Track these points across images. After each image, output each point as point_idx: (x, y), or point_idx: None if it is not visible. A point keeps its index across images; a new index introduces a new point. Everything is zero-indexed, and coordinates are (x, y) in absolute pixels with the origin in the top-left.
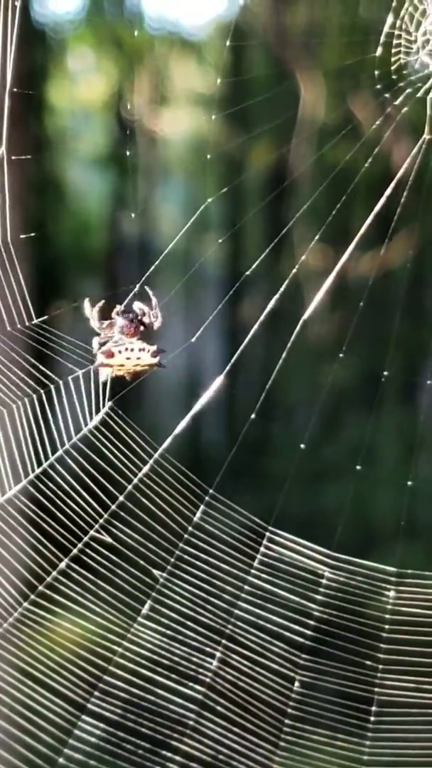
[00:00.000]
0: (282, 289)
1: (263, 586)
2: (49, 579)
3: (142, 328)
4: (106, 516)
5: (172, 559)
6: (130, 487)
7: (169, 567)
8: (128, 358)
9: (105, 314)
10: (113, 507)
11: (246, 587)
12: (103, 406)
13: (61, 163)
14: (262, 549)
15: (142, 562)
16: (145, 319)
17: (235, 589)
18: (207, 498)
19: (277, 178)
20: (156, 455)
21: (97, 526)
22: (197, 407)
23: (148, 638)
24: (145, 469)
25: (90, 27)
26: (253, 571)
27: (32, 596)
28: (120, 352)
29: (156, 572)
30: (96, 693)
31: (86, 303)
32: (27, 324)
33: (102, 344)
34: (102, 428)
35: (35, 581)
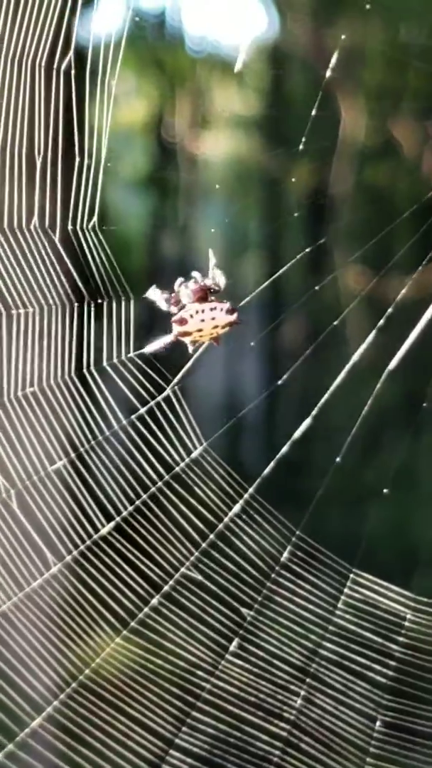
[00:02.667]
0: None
1: (347, 627)
2: (141, 615)
3: (214, 290)
4: (196, 554)
5: (260, 598)
6: (220, 526)
7: (256, 606)
8: (203, 320)
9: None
10: (204, 545)
11: (331, 627)
12: (197, 444)
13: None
14: (346, 590)
15: (230, 600)
16: (207, 281)
17: (320, 629)
18: (294, 539)
19: (318, 199)
20: (246, 495)
21: (188, 563)
22: (285, 448)
23: (235, 675)
24: (236, 508)
25: (131, 49)
26: (337, 611)
27: (124, 632)
28: (191, 316)
29: (244, 610)
30: (184, 728)
31: (151, 289)
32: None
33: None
34: (193, 466)
35: (128, 617)
